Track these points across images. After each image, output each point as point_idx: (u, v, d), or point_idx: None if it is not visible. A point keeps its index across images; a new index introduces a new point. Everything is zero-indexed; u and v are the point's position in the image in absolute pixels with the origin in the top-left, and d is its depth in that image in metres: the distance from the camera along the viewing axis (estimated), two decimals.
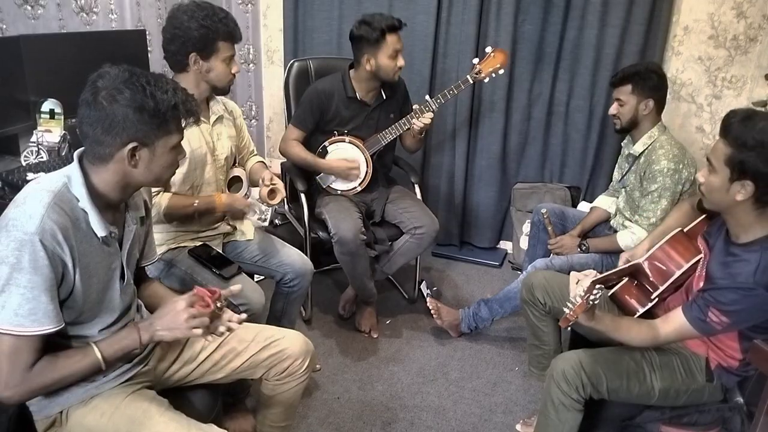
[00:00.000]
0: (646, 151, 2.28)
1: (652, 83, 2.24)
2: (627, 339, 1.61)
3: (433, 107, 2.49)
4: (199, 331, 1.28)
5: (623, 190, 2.43)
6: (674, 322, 1.57)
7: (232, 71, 1.90)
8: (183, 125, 1.30)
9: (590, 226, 2.55)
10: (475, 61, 2.55)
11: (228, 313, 1.38)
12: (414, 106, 2.53)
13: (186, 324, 1.27)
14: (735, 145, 1.42)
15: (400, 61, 2.44)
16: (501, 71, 2.54)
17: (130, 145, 1.21)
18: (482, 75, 2.53)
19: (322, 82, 2.56)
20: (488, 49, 2.54)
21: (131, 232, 1.37)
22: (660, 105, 2.28)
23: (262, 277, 2.28)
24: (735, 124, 1.43)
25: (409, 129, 2.54)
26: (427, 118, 2.46)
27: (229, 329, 1.36)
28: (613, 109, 2.32)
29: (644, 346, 1.65)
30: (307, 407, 2.21)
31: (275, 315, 2.18)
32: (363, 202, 2.62)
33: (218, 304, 1.35)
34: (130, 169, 1.24)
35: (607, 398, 1.68)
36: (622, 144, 2.49)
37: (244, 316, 1.40)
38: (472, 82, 2.53)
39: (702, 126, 3.01)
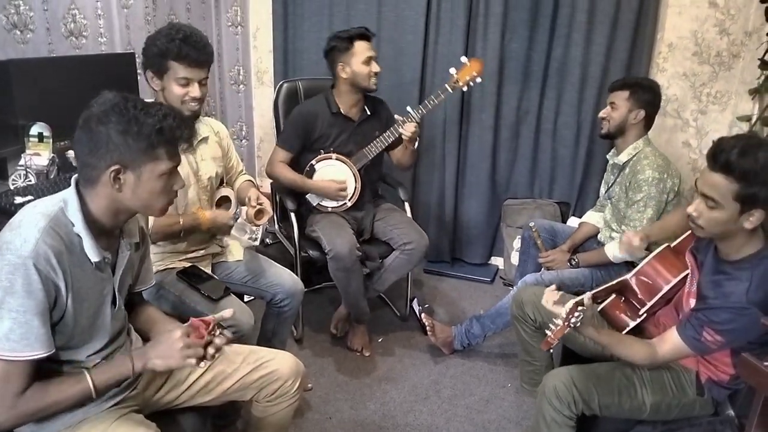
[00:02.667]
0: (631, 161, 2.32)
1: (649, 97, 2.30)
2: (628, 355, 1.61)
3: (416, 118, 2.50)
4: (193, 361, 1.28)
5: (609, 202, 2.46)
6: (669, 341, 1.58)
7: (191, 94, 1.83)
8: (177, 153, 1.28)
9: (580, 241, 2.56)
10: (452, 71, 2.54)
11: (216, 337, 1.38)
12: (396, 116, 2.55)
13: (180, 353, 1.27)
14: (742, 180, 1.40)
15: (375, 67, 2.49)
16: (478, 79, 2.54)
17: (113, 168, 1.21)
18: (460, 84, 2.52)
19: (305, 104, 2.62)
20: (463, 59, 2.55)
21: (125, 258, 1.37)
22: (649, 119, 2.33)
23: (252, 298, 2.27)
24: (735, 159, 1.40)
25: (395, 142, 2.57)
26: (411, 126, 2.48)
27: (218, 350, 1.34)
28: (604, 112, 2.37)
29: (644, 365, 1.65)
30: (299, 428, 2.19)
31: (266, 335, 2.17)
32: (353, 218, 2.63)
33: (212, 333, 1.35)
34: (116, 193, 1.23)
35: (599, 414, 1.67)
36: (607, 156, 2.52)
37: (228, 333, 1.37)
38: (451, 91, 2.51)
39: (688, 141, 3.04)
